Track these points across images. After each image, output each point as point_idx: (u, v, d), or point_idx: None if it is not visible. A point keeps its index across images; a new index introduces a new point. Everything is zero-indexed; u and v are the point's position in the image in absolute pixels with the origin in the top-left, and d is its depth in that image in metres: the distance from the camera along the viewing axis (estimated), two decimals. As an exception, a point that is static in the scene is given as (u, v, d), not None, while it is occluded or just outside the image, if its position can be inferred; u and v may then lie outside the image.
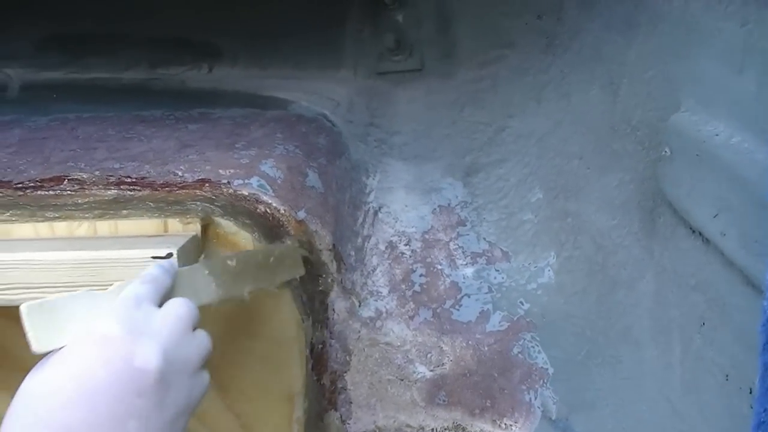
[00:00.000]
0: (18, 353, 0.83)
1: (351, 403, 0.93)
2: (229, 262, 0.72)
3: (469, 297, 0.99)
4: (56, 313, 0.60)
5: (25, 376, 0.83)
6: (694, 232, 0.71)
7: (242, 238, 0.80)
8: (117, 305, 0.59)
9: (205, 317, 0.81)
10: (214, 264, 0.71)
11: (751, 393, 0.61)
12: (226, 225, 0.80)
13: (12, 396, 0.83)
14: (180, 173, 0.89)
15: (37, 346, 0.58)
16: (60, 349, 0.58)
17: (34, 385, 0.57)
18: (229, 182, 0.87)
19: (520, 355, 0.95)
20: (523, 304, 0.98)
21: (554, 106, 1.03)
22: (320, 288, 0.91)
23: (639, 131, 0.84)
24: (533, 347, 0.95)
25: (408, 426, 0.92)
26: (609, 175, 0.91)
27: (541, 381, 0.93)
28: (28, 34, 1.13)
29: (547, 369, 0.94)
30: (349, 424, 0.92)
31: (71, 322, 0.59)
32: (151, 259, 0.71)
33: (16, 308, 0.78)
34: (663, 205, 0.79)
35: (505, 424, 0.92)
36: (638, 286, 0.83)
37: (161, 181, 0.87)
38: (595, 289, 0.93)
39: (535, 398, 0.92)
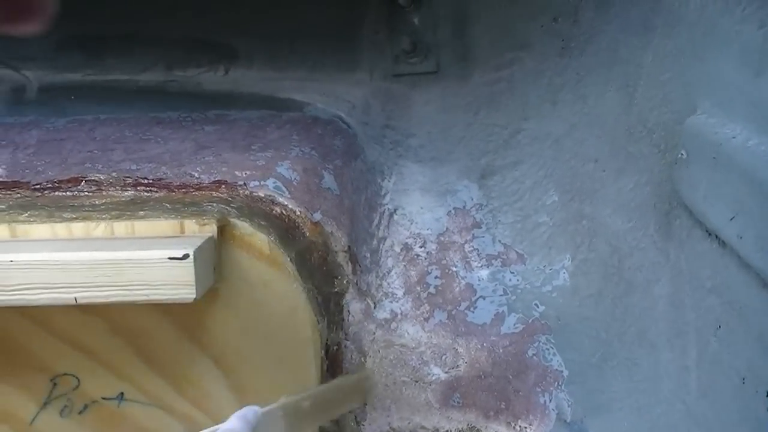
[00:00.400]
0: (37, 353, 0.84)
1: (365, 404, 0.93)
2: (304, 404, 0.73)
3: (484, 299, 0.99)
4: None
5: (42, 375, 0.84)
6: (710, 234, 0.71)
7: (258, 239, 0.80)
8: None
9: (220, 319, 0.82)
10: (289, 407, 0.72)
11: (767, 396, 0.60)
12: (243, 226, 0.80)
13: (31, 394, 0.85)
14: (196, 175, 0.89)
15: None
16: None
17: None
18: (245, 184, 0.87)
19: (534, 357, 0.95)
20: (538, 307, 0.98)
21: (570, 109, 1.03)
22: (336, 289, 0.91)
23: (655, 134, 0.84)
24: (548, 349, 0.95)
25: (422, 428, 0.93)
26: (625, 178, 0.91)
27: (556, 383, 0.93)
28: (47, 36, 1.14)
29: (562, 371, 0.94)
30: (363, 425, 0.92)
31: None
32: (168, 260, 0.72)
33: (36, 308, 0.79)
34: (679, 207, 0.78)
35: (520, 426, 0.92)
36: (654, 289, 0.83)
37: (178, 183, 0.87)
38: (610, 292, 0.92)
39: (550, 401, 0.92)
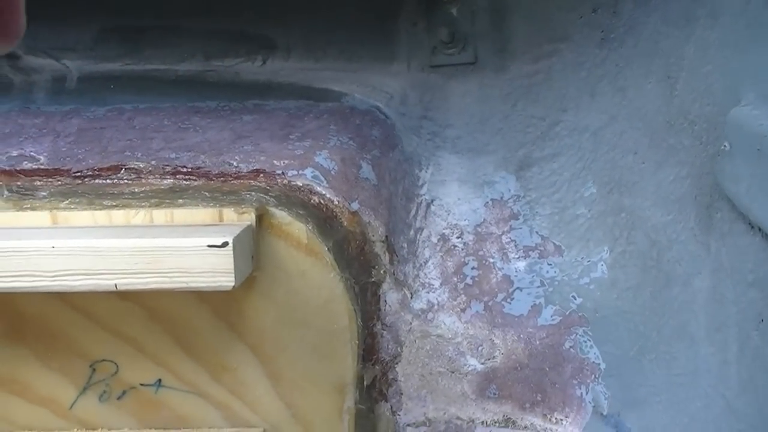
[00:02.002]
0: (77, 338, 0.85)
1: (401, 394, 0.93)
2: None
3: (521, 290, 0.99)
4: None
5: (81, 361, 0.85)
6: (753, 227, 0.70)
7: (296, 228, 0.80)
8: None
9: (258, 307, 0.82)
10: None
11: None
12: (281, 215, 0.80)
13: (71, 379, 0.86)
14: (235, 163, 0.89)
15: None
16: None
17: None
18: (283, 173, 0.87)
19: (571, 349, 0.94)
20: (575, 299, 0.98)
21: (609, 101, 1.02)
22: (373, 279, 0.91)
23: (696, 126, 0.83)
24: (585, 342, 0.95)
25: (458, 418, 0.92)
26: (665, 170, 0.90)
27: (593, 376, 0.93)
28: (87, 26, 1.15)
29: (599, 364, 0.93)
30: (399, 415, 0.92)
31: None
32: (207, 248, 0.72)
33: (75, 294, 0.80)
34: (721, 200, 0.78)
35: (556, 418, 0.91)
36: (694, 282, 0.83)
37: (216, 171, 0.88)
38: (649, 285, 0.92)
39: (587, 393, 0.92)
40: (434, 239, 1.01)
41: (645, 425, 0.88)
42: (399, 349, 0.93)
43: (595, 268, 1.00)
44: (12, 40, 0.45)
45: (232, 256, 0.72)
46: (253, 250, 0.79)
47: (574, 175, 1.04)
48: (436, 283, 0.98)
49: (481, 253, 1.01)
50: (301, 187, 0.86)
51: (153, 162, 0.90)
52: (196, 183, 0.86)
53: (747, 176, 0.70)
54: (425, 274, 0.98)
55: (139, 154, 0.92)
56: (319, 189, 0.87)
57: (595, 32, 1.03)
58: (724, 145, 0.75)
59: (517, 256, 1.01)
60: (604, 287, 0.98)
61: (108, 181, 0.87)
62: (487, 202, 1.05)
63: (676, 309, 0.86)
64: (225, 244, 0.72)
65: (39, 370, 0.86)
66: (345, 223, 0.87)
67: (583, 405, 0.91)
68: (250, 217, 0.79)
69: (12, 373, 0.86)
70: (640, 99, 0.97)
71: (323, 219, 0.85)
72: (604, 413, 0.90)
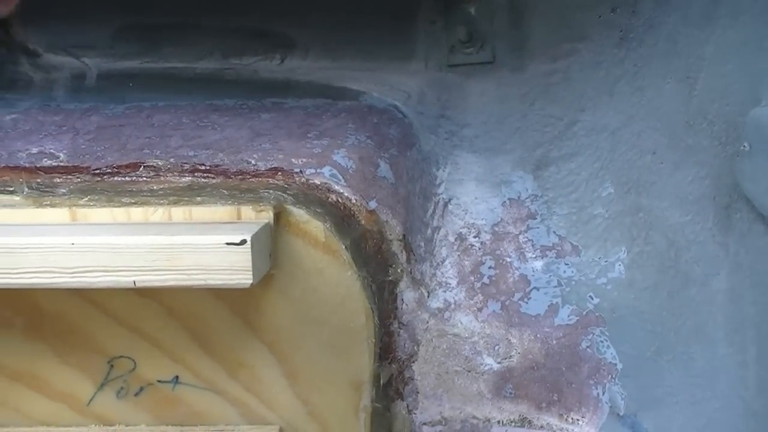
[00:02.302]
0: (95, 335, 0.85)
1: (418, 393, 0.93)
2: None
3: (537, 290, 0.98)
4: None
5: (99, 357, 0.86)
6: (772, 228, 0.70)
7: (314, 226, 0.80)
8: None
9: (275, 305, 0.83)
10: None
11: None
12: (298, 213, 0.80)
13: (88, 375, 0.86)
14: (253, 162, 0.90)
15: None
16: None
17: None
18: (301, 171, 0.87)
19: (588, 349, 0.94)
20: (592, 299, 0.98)
21: (627, 100, 1.02)
22: (390, 278, 0.91)
23: (716, 126, 0.83)
24: (602, 342, 0.94)
25: (474, 417, 0.92)
26: (683, 171, 0.90)
27: (610, 376, 0.92)
28: (106, 24, 1.15)
29: (615, 364, 0.93)
30: (415, 414, 0.92)
31: None
32: (225, 246, 0.73)
33: (93, 290, 0.80)
34: (740, 201, 0.77)
35: (572, 418, 0.91)
36: (712, 283, 0.82)
37: (235, 169, 0.88)
38: (666, 286, 0.92)
39: (603, 393, 0.92)
40: (451, 238, 1.01)
41: (662, 426, 0.88)
42: (415, 347, 0.93)
43: (613, 268, 0.99)
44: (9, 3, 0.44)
45: (250, 253, 0.72)
46: (271, 248, 0.79)
47: (591, 174, 1.04)
48: (453, 282, 0.97)
49: (498, 252, 1.01)
50: (319, 185, 0.86)
51: (171, 160, 0.90)
52: (214, 181, 0.87)
53: (767, 177, 0.70)
54: (442, 273, 0.98)
55: (158, 152, 0.92)
56: (336, 187, 0.87)
57: (613, 32, 1.03)
58: (744, 146, 0.75)
59: (534, 256, 1.01)
60: (622, 287, 0.98)
61: (127, 178, 0.88)
62: (505, 202, 1.05)
63: (693, 310, 0.86)
64: (243, 242, 0.72)
65: (57, 366, 0.86)
66: (362, 222, 0.87)
67: (600, 405, 0.91)
68: (268, 215, 0.79)
69: (31, 368, 0.87)
70: (659, 99, 0.96)
71: (341, 217, 0.85)
72: (621, 413, 0.90)
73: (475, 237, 1.01)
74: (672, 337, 0.89)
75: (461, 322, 0.95)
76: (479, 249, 1.00)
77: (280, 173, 0.87)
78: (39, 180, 0.87)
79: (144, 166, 0.89)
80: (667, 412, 0.87)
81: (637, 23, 1.00)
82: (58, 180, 0.87)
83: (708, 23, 0.86)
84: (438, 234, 1.01)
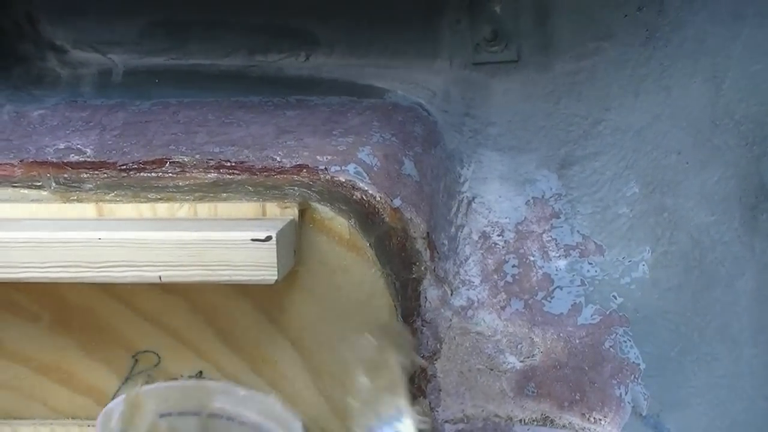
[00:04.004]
0: (120, 329, 0.86)
1: (440, 390, 0.93)
2: None
3: (561, 289, 0.98)
4: None
5: (124, 351, 0.86)
6: (799, 230, 0.70)
7: (338, 223, 0.81)
8: None
9: (299, 301, 0.83)
10: None
11: None
12: (323, 210, 0.81)
13: (113, 369, 0.87)
14: (278, 158, 0.90)
15: None
16: None
17: None
18: (326, 168, 0.88)
19: (611, 349, 0.94)
20: (616, 299, 0.97)
21: (653, 100, 1.01)
22: (413, 276, 0.91)
23: (743, 126, 0.83)
24: (625, 342, 0.94)
25: (496, 416, 0.92)
26: (709, 170, 0.89)
27: (633, 376, 0.92)
28: (133, 21, 1.16)
29: (639, 364, 0.93)
30: (437, 411, 0.93)
31: None
32: (251, 242, 0.73)
33: (119, 285, 0.81)
34: (766, 201, 0.77)
35: (595, 418, 0.91)
36: (737, 284, 0.82)
37: (260, 166, 0.88)
38: (691, 286, 0.91)
39: (626, 393, 0.91)
40: (475, 236, 1.01)
41: (685, 427, 0.87)
42: (438, 345, 0.93)
43: (637, 267, 0.99)
44: None
45: (275, 250, 0.72)
46: (296, 244, 0.80)
47: (616, 174, 1.04)
48: (477, 281, 0.97)
49: (521, 251, 1.00)
50: (344, 182, 0.87)
51: (197, 156, 0.90)
52: (239, 177, 0.87)
53: (794, 177, 0.70)
54: (465, 271, 0.98)
55: (184, 148, 0.93)
56: (361, 185, 0.87)
57: (640, 30, 1.03)
58: (771, 146, 0.75)
59: (557, 255, 1.01)
60: (646, 287, 0.97)
61: (153, 174, 0.88)
62: (529, 200, 1.05)
63: (718, 310, 0.86)
64: (269, 238, 0.72)
65: (83, 360, 0.87)
66: (387, 219, 0.88)
67: (622, 405, 0.91)
68: (293, 212, 0.80)
69: (56, 362, 0.87)
70: (685, 98, 0.96)
71: (365, 215, 0.85)
72: (644, 414, 0.90)
73: (498, 235, 1.01)
74: (696, 338, 0.89)
75: (484, 321, 0.95)
76: (503, 247, 1.00)
77: (305, 170, 0.87)
78: (66, 175, 0.88)
79: (170, 162, 0.89)
80: (691, 412, 0.87)
81: (664, 22, 1.00)
82: (85, 175, 0.88)
83: (736, 22, 0.85)
84: (462, 232, 1.01)
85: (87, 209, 0.82)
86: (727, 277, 0.84)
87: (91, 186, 0.85)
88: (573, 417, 0.92)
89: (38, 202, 0.84)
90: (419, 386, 0.92)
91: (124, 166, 0.89)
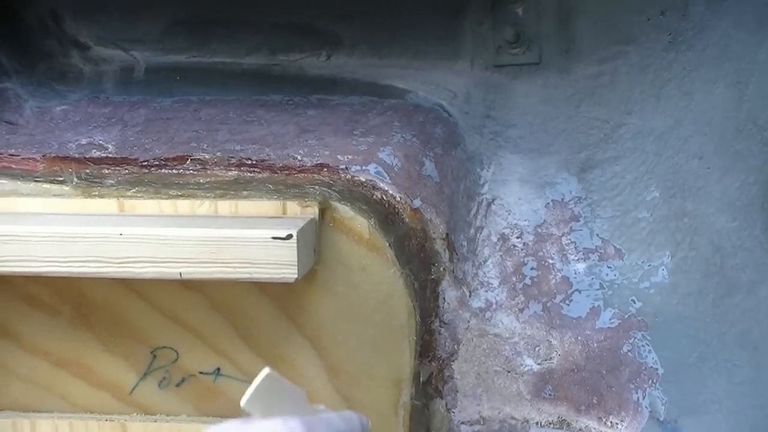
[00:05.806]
0: (139, 325, 0.86)
1: (457, 392, 0.93)
2: None
3: (579, 293, 0.98)
4: (278, 394, 0.61)
5: (143, 347, 0.87)
6: (822, 236, 0.69)
7: (358, 223, 0.81)
8: (313, 424, 0.60)
9: (318, 300, 0.83)
10: None
11: None
12: (343, 210, 0.81)
13: (132, 365, 0.87)
14: (299, 157, 0.90)
15: (245, 402, 0.59)
16: (251, 417, 0.59)
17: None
18: (347, 168, 0.88)
19: (629, 353, 0.94)
20: (635, 303, 0.97)
21: (675, 104, 1.01)
22: (432, 276, 0.91)
23: (766, 131, 0.82)
24: (644, 346, 0.94)
25: (513, 418, 0.92)
26: (731, 176, 0.89)
27: (651, 381, 0.92)
28: (156, 19, 1.16)
29: (657, 369, 0.92)
30: (454, 412, 0.93)
31: (276, 409, 0.59)
32: (271, 240, 0.73)
33: (139, 281, 0.82)
34: (789, 208, 0.77)
35: (612, 422, 0.91)
36: (759, 290, 0.82)
37: (281, 164, 0.89)
38: (711, 291, 0.91)
39: (644, 398, 0.91)
40: (494, 238, 1.01)
41: (703, 433, 0.87)
42: (456, 346, 0.93)
43: (656, 272, 0.99)
44: None
45: (295, 248, 0.72)
46: (316, 243, 0.80)
47: (636, 178, 1.03)
48: (495, 282, 0.97)
49: (540, 253, 1.00)
50: (364, 182, 0.87)
51: (218, 153, 0.91)
52: (260, 175, 0.87)
53: (818, 184, 0.70)
54: (484, 273, 0.98)
55: (205, 146, 0.93)
56: (381, 185, 0.87)
57: (662, 35, 1.02)
58: (795, 152, 0.74)
59: (576, 258, 1.01)
60: (665, 292, 0.97)
61: (174, 171, 0.89)
62: (548, 203, 1.04)
63: (738, 317, 0.86)
64: (289, 237, 0.72)
65: (102, 355, 0.88)
66: (406, 220, 0.88)
67: (640, 410, 0.91)
68: (313, 211, 0.80)
69: (76, 356, 0.88)
70: (708, 103, 0.95)
71: (385, 215, 0.86)
72: (661, 419, 0.90)
73: (517, 238, 1.01)
74: (716, 344, 0.88)
75: (502, 323, 0.95)
76: (522, 250, 1.00)
77: (325, 169, 0.88)
78: (88, 170, 0.88)
79: (191, 160, 0.90)
80: (709, 419, 0.86)
81: (687, 26, 1.00)
82: (107, 171, 0.88)
83: (761, 28, 0.85)
84: (481, 234, 1.00)
85: (108, 205, 0.83)
86: (748, 284, 0.84)
87: (112, 182, 0.86)
88: (590, 421, 0.92)
89: (60, 196, 0.85)
90: (436, 387, 0.92)
91: (146, 163, 0.90)
